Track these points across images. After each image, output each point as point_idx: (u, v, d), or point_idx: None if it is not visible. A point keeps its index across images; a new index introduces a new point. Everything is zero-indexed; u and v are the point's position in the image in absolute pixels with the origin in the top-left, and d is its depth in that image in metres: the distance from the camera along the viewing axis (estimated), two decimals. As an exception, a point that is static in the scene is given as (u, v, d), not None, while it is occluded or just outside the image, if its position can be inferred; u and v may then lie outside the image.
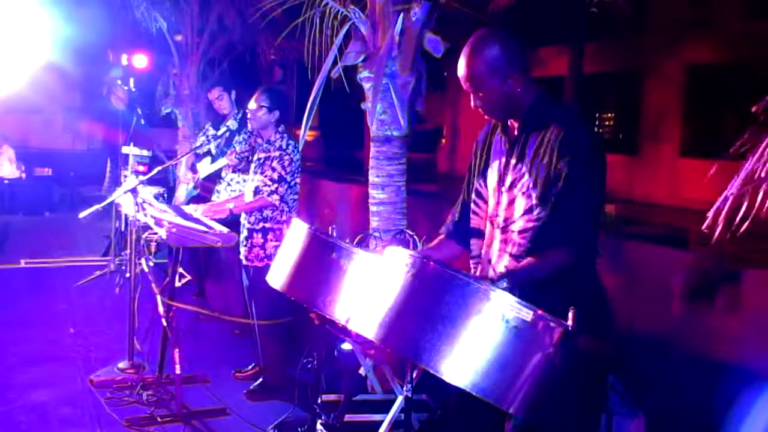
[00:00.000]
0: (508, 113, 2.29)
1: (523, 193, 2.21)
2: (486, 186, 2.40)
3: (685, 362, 4.54)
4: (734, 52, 9.87)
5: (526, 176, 2.20)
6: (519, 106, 2.24)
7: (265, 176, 4.06)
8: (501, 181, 2.31)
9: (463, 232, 2.49)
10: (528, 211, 2.20)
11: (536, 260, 2.14)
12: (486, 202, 2.39)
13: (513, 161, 2.27)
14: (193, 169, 5.65)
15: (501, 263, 2.30)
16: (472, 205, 2.44)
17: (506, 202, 2.28)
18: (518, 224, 2.24)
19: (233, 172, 5.25)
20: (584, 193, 2.13)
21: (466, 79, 2.22)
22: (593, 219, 2.18)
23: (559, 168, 2.12)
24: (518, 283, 2.03)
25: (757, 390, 3.00)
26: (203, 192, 5.53)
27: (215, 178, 5.43)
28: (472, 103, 2.27)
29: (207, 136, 5.61)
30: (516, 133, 2.29)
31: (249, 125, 4.36)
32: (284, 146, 4.10)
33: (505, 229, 2.29)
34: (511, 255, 2.27)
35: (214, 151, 5.46)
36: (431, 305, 1.77)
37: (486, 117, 2.33)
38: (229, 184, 5.34)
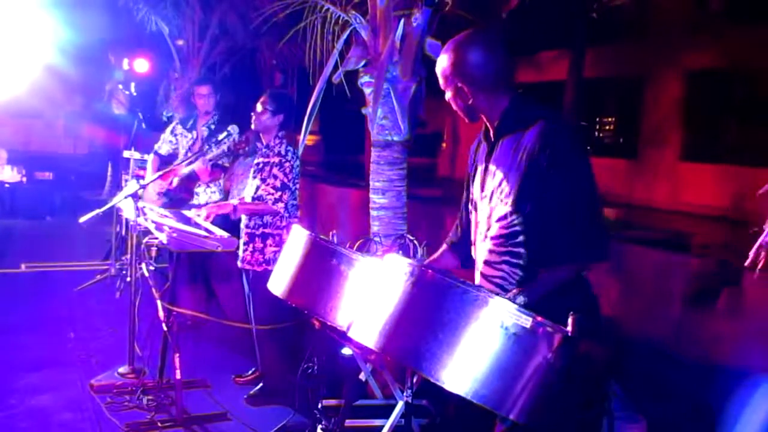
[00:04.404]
0: (469, 115, 2.28)
1: (501, 201, 2.18)
2: (474, 195, 2.39)
3: (686, 366, 4.53)
4: (734, 58, 9.89)
5: (504, 183, 2.17)
6: (482, 112, 2.24)
7: (268, 184, 4.06)
8: (482, 188, 2.30)
9: (463, 243, 2.47)
10: (503, 218, 2.17)
11: (546, 274, 2.10)
12: (476, 211, 2.37)
13: (491, 167, 2.25)
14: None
15: (482, 269, 2.29)
16: (471, 215, 2.42)
17: (487, 210, 2.26)
18: (492, 230, 2.22)
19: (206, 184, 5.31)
20: (573, 197, 2.07)
21: (438, 74, 2.27)
22: (589, 219, 2.10)
23: (538, 170, 2.06)
24: (534, 297, 2.01)
25: (753, 387, 3.00)
26: (184, 193, 5.47)
27: (195, 179, 5.40)
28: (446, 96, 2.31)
29: (175, 135, 5.54)
30: (492, 138, 2.28)
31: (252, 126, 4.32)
32: (283, 152, 4.10)
33: (485, 237, 2.28)
34: (485, 263, 2.26)
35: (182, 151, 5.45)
36: (431, 313, 1.77)
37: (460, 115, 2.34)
38: (208, 186, 5.35)
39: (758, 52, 9.15)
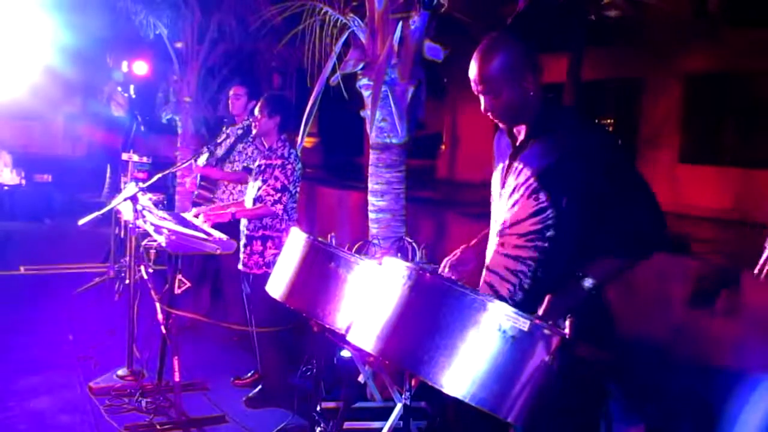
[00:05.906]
0: (517, 117, 2.26)
1: (528, 196, 2.19)
2: (492, 190, 2.41)
3: (686, 369, 4.53)
4: (732, 61, 9.91)
5: (532, 180, 2.18)
6: (529, 110, 2.23)
7: (268, 185, 4.06)
8: (502, 184, 2.31)
9: None
10: (536, 213, 2.18)
11: (608, 261, 2.17)
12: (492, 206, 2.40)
13: (517, 165, 2.25)
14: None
15: (494, 263, 2.30)
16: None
17: (507, 206, 2.27)
18: (522, 226, 2.21)
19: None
20: (637, 198, 2.14)
21: (480, 82, 2.20)
22: (651, 215, 2.18)
23: (594, 179, 2.11)
24: (601, 279, 2.11)
25: (753, 387, 3.00)
26: (199, 200, 5.47)
27: (213, 185, 5.40)
28: (482, 106, 2.25)
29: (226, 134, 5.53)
30: (522, 137, 2.28)
31: (253, 132, 4.35)
32: (286, 155, 4.11)
33: (502, 233, 2.28)
34: (506, 256, 2.26)
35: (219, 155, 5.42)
36: (428, 316, 1.77)
37: (495, 121, 2.31)
38: (231, 193, 5.33)
39: (756, 54, 9.16)
